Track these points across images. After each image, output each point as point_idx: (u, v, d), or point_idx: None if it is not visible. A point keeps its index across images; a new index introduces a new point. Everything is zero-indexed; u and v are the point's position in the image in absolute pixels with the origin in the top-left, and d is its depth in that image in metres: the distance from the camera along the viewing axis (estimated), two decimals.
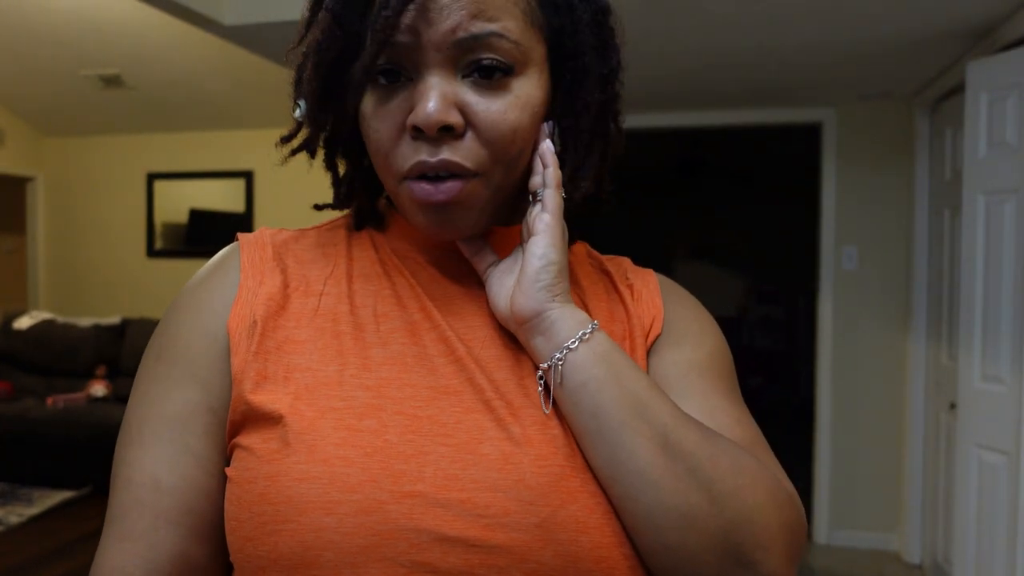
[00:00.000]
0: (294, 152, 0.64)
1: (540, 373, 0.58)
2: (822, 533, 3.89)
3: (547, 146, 0.60)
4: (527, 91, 0.57)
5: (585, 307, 0.64)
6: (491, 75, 0.55)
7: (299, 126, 0.63)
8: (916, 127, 3.61)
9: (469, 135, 0.56)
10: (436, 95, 0.54)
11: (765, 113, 3.98)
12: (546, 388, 0.57)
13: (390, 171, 0.58)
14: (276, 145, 0.64)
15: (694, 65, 3.15)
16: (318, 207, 0.70)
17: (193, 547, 0.56)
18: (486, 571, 0.50)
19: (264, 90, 4.44)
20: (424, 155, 0.55)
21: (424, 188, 0.56)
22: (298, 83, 0.62)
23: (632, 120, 4.10)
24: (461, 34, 0.54)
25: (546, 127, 0.60)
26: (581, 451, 0.55)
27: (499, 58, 0.55)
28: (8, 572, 3.31)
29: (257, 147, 5.15)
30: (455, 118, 0.55)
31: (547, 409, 0.56)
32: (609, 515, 0.54)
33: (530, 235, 0.59)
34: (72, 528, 3.84)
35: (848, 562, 3.68)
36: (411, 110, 0.55)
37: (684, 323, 0.66)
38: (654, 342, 0.64)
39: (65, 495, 4.24)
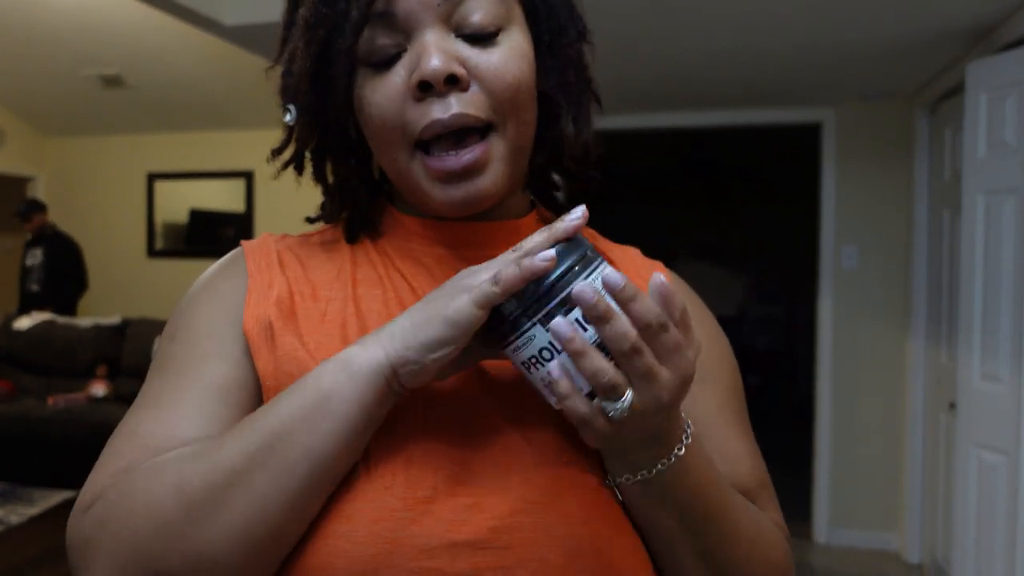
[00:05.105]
0: (286, 164, 0.64)
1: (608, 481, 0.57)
2: (822, 533, 3.88)
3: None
4: (518, 41, 0.58)
5: None
6: (482, 35, 0.56)
7: (290, 134, 0.63)
8: (916, 127, 3.61)
9: (474, 87, 0.56)
10: (437, 49, 0.54)
11: (765, 113, 3.98)
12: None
13: (399, 142, 0.57)
14: (268, 160, 0.64)
15: (694, 65, 3.15)
16: (310, 220, 0.70)
17: None
18: (492, 572, 0.51)
19: (264, 90, 4.43)
20: (437, 113, 0.55)
21: (447, 159, 0.56)
22: (285, 89, 0.61)
23: (632, 120, 4.10)
24: None
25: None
26: (582, 447, 0.55)
27: (486, 22, 0.56)
28: (8, 572, 3.31)
29: (257, 147, 5.12)
30: (460, 69, 0.55)
31: (620, 498, 0.56)
32: (609, 505, 0.55)
33: None
34: None
35: (848, 562, 3.68)
36: (412, 72, 0.55)
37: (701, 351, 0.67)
38: None
39: (65, 495, 4.24)
